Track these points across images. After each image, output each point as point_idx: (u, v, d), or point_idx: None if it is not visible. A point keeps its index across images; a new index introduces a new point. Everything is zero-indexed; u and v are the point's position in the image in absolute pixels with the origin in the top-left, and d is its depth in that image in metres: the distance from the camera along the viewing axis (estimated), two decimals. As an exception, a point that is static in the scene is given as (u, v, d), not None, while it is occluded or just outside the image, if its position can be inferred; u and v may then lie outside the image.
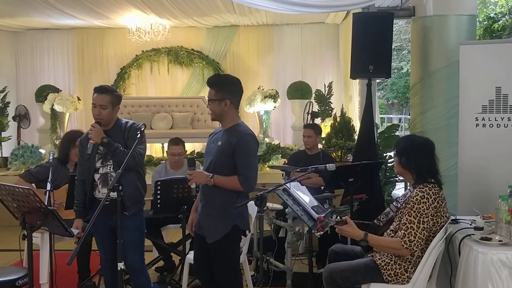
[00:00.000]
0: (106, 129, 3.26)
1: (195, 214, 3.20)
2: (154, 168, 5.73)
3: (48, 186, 3.56)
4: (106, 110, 3.24)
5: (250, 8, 7.79)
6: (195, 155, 7.07)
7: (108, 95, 3.26)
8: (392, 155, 3.44)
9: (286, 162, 5.64)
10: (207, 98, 3.08)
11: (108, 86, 3.46)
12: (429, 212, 2.86)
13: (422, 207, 2.86)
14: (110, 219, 3.14)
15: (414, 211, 2.87)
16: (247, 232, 3.16)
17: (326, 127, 7.57)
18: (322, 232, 2.88)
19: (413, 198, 2.91)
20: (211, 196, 3.00)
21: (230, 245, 3.02)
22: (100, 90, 3.28)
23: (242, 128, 3.03)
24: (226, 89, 3.01)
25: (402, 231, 2.87)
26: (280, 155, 7.25)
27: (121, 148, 3.19)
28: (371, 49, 4.83)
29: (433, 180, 2.97)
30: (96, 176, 3.29)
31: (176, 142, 4.73)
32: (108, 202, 2.93)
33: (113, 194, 2.89)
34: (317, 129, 5.20)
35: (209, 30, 9.82)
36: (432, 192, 2.89)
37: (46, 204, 2.92)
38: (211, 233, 2.99)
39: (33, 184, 4.20)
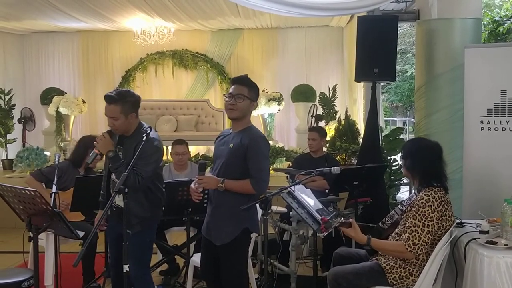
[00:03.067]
0: (126, 135, 3.12)
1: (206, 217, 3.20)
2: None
3: (54, 188, 3.58)
4: (119, 121, 3.00)
5: (255, 11, 7.80)
6: (199, 158, 7.08)
7: (118, 105, 2.97)
8: (399, 158, 3.47)
9: (291, 165, 5.63)
10: (227, 96, 2.97)
11: (119, 92, 3.07)
12: (434, 216, 2.85)
13: (427, 210, 2.85)
14: (117, 226, 3.07)
15: (419, 215, 2.86)
16: (252, 234, 3.16)
17: (330, 130, 7.57)
18: (326, 233, 2.89)
19: (418, 201, 2.90)
20: (222, 198, 2.98)
21: (240, 248, 3.01)
22: (108, 100, 2.99)
23: (254, 131, 3.02)
24: (255, 91, 3.04)
25: (407, 234, 2.87)
26: (285, 158, 7.25)
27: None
28: (375, 52, 4.83)
29: (438, 184, 2.96)
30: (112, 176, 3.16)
31: (180, 141, 4.83)
32: (115, 209, 2.89)
33: (120, 203, 2.84)
34: (322, 132, 5.18)
35: (213, 33, 9.85)
36: (438, 196, 2.89)
37: (51, 206, 2.93)
38: (221, 236, 2.98)
39: (43, 184, 4.23)
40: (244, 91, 2.97)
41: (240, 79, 3.06)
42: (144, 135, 2.92)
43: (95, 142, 3.07)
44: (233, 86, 3.02)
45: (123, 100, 3.01)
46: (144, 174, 2.94)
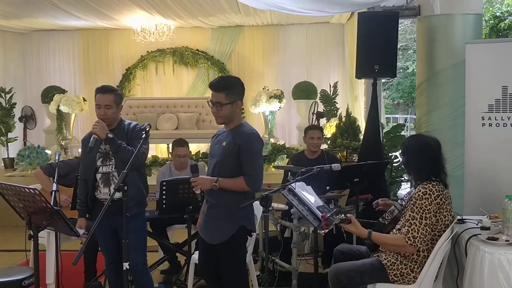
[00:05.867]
0: (109, 128, 3.26)
1: (203, 216, 3.20)
2: (159, 168, 5.75)
3: (54, 187, 3.57)
4: (111, 110, 3.25)
5: (255, 8, 7.79)
6: (200, 156, 7.08)
7: (112, 94, 3.28)
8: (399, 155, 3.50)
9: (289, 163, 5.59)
10: (210, 103, 2.98)
11: (110, 85, 3.47)
12: (431, 208, 2.85)
13: (424, 203, 2.85)
14: (112, 220, 3.11)
15: (417, 207, 2.86)
16: (252, 232, 3.15)
17: (331, 127, 7.56)
18: (327, 230, 2.89)
19: (415, 194, 2.91)
20: (217, 197, 2.98)
21: (237, 246, 3.01)
22: (103, 90, 3.29)
23: (247, 128, 3.01)
24: (235, 90, 2.97)
25: (406, 228, 2.87)
26: (286, 156, 7.24)
27: (125, 145, 3.17)
28: (376, 48, 4.82)
29: (437, 179, 2.96)
30: (98, 176, 3.28)
31: (181, 143, 4.70)
32: (110, 203, 2.92)
33: (117, 195, 2.85)
34: (322, 130, 5.15)
35: (214, 30, 9.83)
36: (436, 189, 2.88)
37: (52, 204, 2.93)
38: (217, 234, 2.98)
39: (51, 178, 4.25)
40: (221, 98, 2.91)
41: (215, 85, 2.97)
42: (125, 125, 3.31)
43: (92, 129, 3.19)
44: (211, 93, 2.97)
45: (115, 91, 3.36)
46: (145, 150, 3.23)
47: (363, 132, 6.18)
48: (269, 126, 8.81)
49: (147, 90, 10.05)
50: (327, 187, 4.65)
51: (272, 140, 8.37)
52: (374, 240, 2.95)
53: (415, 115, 7.08)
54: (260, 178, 2.97)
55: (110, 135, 3.16)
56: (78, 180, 3.45)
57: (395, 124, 7.47)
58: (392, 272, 2.93)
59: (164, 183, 3.96)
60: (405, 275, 2.92)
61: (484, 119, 4.11)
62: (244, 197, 2.94)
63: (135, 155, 2.98)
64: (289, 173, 4.33)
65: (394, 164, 5.77)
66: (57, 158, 3.91)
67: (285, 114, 9.58)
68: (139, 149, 3.02)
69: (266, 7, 5.19)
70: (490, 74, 4.09)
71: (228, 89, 2.94)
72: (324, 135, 7.32)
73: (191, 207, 3.95)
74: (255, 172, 2.92)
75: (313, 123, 7.88)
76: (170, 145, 5.03)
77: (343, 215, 2.95)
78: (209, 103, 2.99)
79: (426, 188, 2.88)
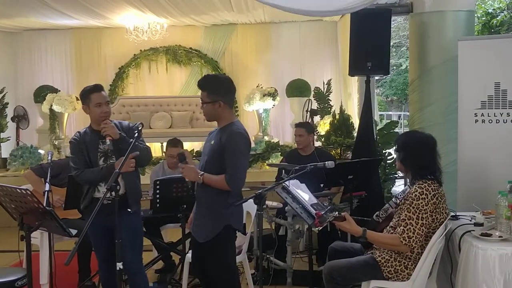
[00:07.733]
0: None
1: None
2: (153, 167, 5.73)
3: (47, 187, 3.55)
4: (109, 106, 3.32)
5: (248, 5, 7.76)
6: (194, 155, 7.06)
7: (105, 91, 3.36)
8: (393, 152, 3.51)
9: (283, 161, 5.59)
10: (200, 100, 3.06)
11: None
12: (428, 208, 2.85)
13: (421, 203, 2.85)
14: (106, 220, 3.08)
15: (413, 207, 2.86)
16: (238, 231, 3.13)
17: (325, 124, 7.56)
18: (321, 228, 2.89)
19: (412, 194, 2.90)
20: (203, 195, 2.99)
21: (223, 245, 2.98)
22: (99, 88, 3.32)
23: (234, 127, 2.99)
24: (217, 90, 2.98)
25: (401, 227, 2.87)
26: (280, 153, 7.24)
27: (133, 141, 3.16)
28: (369, 46, 4.83)
29: (432, 177, 2.96)
30: None
31: (175, 143, 4.70)
32: (108, 202, 2.89)
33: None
34: (309, 128, 5.00)
35: (207, 28, 9.80)
36: (432, 188, 2.88)
37: (44, 204, 2.91)
38: (203, 232, 2.98)
39: (42, 179, 4.22)
40: (203, 96, 2.98)
41: (199, 83, 3.04)
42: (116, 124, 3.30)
43: (102, 131, 3.17)
44: None
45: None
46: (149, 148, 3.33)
47: (356, 130, 6.19)
48: (263, 123, 8.80)
49: (140, 89, 9.98)
50: (321, 185, 4.67)
51: (266, 137, 8.36)
52: (368, 238, 2.95)
53: (408, 112, 7.11)
54: (242, 178, 2.94)
55: (123, 134, 3.21)
56: (75, 174, 3.38)
57: (389, 121, 7.49)
58: (386, 269, 2.93)
59: (158, 182, 3.94)
60: (399, 272, 2.92)
61: (477, 115, 4.13)
62: (228, 195, 2.93)
63: (146, 150, 3.21)
64: (283, 170, 4.34)
65: (387, 161, 5.78)
66: (49, 158, 3.89)
67: (279, 111, 9.56)
68: (143, 145, 3.19)
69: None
70: (482, 71, 4.10)
71: (209, 89, 2.97)
72: (318, 132, 7.35)
73: (185, 205, 3.94)
74: (235, 172, 2.89)
75: (306, 121, 7.88)
76: (164, 144, 5.01)
77: (337, 212, 2.94)
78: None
79: (423, 188, 2.88)
